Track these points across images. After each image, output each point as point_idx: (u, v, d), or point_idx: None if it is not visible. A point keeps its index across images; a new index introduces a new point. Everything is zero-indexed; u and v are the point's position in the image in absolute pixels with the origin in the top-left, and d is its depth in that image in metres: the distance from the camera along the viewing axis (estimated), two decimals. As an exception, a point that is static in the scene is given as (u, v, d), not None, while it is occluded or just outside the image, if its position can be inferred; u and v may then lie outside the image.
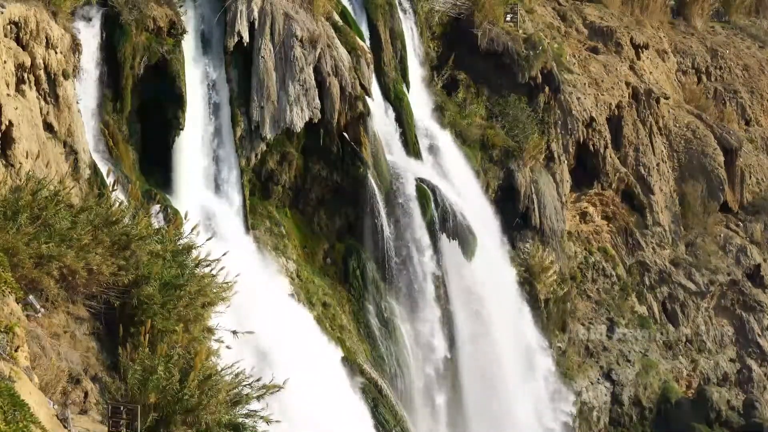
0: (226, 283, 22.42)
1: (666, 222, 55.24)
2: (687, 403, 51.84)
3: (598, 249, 52.73)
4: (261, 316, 30.23)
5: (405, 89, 43.65)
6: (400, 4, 45.41)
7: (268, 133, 37.22)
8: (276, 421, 20.59)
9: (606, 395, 49.70)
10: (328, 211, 39.58)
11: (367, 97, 39.54)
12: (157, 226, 24.87)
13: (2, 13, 27.91)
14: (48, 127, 29.56)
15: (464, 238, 41.37)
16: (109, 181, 26.60)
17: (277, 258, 37.33)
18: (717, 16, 69.39)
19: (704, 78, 63.77)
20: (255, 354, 29.43)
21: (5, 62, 27.49)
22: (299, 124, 37.59)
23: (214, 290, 22.00)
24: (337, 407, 33.16)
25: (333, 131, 38.68)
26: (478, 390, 41.93)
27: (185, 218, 28.89)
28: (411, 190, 40.37)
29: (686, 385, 53.00)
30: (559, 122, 50.15)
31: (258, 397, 20.38)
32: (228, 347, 22.15)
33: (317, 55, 38.05)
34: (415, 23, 46.56)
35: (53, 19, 30.21)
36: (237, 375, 20.29)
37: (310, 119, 37.84)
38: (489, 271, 42.90)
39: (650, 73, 58.47)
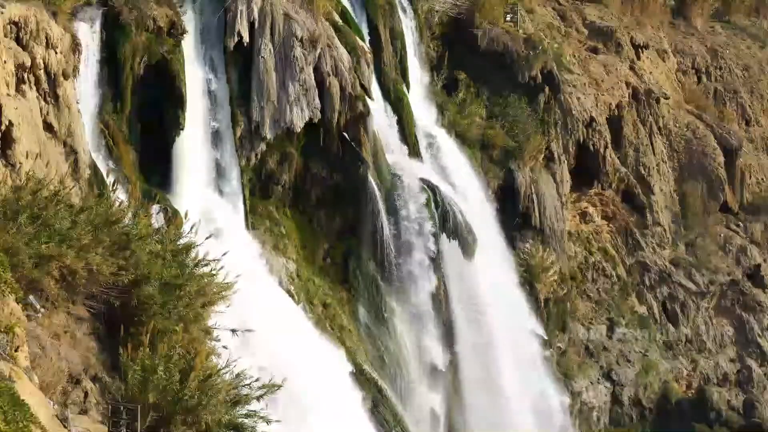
0: (226, 283, 22.41)
1: (666, 222, 55.23)
2: (687, 403, 51.83)
3: (598, 249, 52.69)
4: (260, 315, 30.20)
5: (405, 89, 43.64)
6: (400, 4, 45.41)
7: (268, 133, 37.23)
8: (276, 421, 20.60)
9: (606, 395, 49.68)
10: (328, 211, 39.55)
11: (367, 97, 39.54)
12: (157, 226, 24.87)
13: (2, 13, 27.90)
14: (48, 127, 29.55)
15: (464, 238, 41.35)
16: (109, 181, 26.65)
17: (277, 258, 37.32)
18: (717, 16, 69.37)
19: (704, 78, 63.77)
20: (253, 353, 29.40)
21: (5, 62, 27.47)
22: (299, 124, 37.60)
23: (214, 290, 22.00)
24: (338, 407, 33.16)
25: (333, 131, 38.68)
26: (478, 388, 41.88)
27: (185, 218, 28.93)
28: (411, 190, 40.34)
29: (686, 385, 52.98)
30: (559, 122, 50.11)
31: (258, 397, 20.39)
32: (225, 347, 22.15)
33: (317, 55, 38.05)
34: (415, 23, 46.54)
35: (53, 19, 30.19)
36: (237, 375, 20.30)
37: (310, 119, 37.85)
38: (489, 270, 42.85)
39: (650, 73, 58.45)
